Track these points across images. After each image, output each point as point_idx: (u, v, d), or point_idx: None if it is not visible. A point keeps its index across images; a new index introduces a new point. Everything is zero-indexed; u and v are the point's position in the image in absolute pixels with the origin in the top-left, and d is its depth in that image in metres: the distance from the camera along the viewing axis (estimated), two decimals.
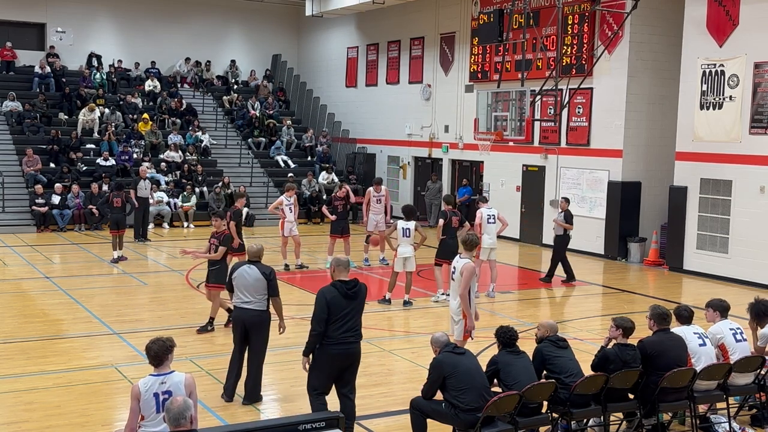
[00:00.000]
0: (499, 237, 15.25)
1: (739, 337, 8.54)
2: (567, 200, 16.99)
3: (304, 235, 19.81)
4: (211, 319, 11.98)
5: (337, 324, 7.41)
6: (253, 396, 9.03)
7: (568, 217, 16.58)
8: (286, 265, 16.89)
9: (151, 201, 22.71)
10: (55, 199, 22.65)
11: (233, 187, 25.20)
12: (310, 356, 7.56)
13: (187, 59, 31.31)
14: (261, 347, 9.01)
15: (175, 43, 31.12)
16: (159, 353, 6.24)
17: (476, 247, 9.86)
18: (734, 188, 17.29)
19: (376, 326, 12.58)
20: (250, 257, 9.15)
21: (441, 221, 14.43)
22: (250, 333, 8.93)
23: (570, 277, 16.70)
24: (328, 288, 7.52)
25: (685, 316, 8.49)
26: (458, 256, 9.76)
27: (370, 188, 18.11)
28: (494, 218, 14.97)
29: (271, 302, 9.00)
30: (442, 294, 14.21)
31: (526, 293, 16.40)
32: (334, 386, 7.70)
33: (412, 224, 14.10)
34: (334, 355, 7.46)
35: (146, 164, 24.81)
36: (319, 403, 7.53)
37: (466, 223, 14.87)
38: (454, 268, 9.60)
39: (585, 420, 7.90)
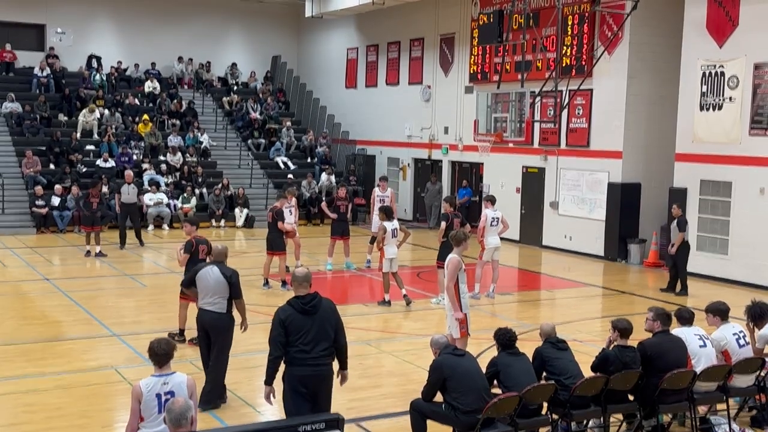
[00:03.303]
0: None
1: (742, 341, 8.55)
2: (680, 206, 16.27)
3: (304, 237, 19.79)
4: (181, 330, 11.40)
5: (300, 344, 6.72)
6: (209, 400, 8.65)
7: (682, 224, 15.84)
8: (286, 267, 16.88)
9: (148, 203, 22.69)
10: (55, 201, 22.64)
11: (233, 188, 25.20)
12: (273, 386, 6.83)
13: (180, 58, 31.23)
14: (221, 351, 8.73)
15: (175, 44, 31.10)
16: (168, 351, 6.25)
17: (463, 243, 9.92)
18: (734, 189, 17.28)
19: (375, 327, 12.59)
20: (214, 258, 9.09)
21: (443, 224, 14.46)
22: (211, 335, 8.78)
23: (670, 287, 16.09)
24: (282, 307, 6.88)
25: (686, 317, 8.54)
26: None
27: (375, 188, 18.11)
28: (498, 221, 15.05)
29: (234, 304, 8.84)
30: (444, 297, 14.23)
31: (526, 295, 16.41)
32: None
33: (396, 224, 14.37)
34: (302, 376, 6.76)
35: (146, 164, 24.84)
36: None
37: (467, 225, 14.90)
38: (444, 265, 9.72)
39: (585, 421, 7.92)
